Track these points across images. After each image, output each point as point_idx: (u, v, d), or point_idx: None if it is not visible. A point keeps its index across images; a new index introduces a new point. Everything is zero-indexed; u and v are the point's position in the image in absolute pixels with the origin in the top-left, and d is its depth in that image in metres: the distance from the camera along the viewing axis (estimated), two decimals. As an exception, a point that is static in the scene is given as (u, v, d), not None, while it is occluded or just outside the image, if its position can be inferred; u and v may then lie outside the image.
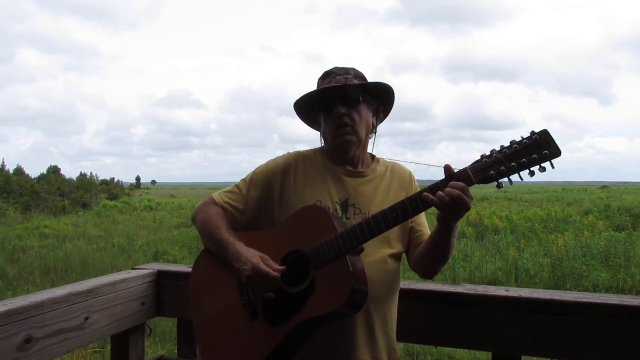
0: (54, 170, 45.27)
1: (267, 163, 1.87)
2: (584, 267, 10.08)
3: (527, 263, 10.86)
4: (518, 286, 9.12)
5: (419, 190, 1.83)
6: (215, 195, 1.87)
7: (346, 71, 1.80)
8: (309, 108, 1.84)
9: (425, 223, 1.82)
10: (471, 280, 9.87)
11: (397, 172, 1.86)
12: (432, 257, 1.67)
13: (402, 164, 1.91)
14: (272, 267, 1.59)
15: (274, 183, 1.81)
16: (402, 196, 1.77)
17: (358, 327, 1.66)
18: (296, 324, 1.55)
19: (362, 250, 1.55)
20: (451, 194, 1.39)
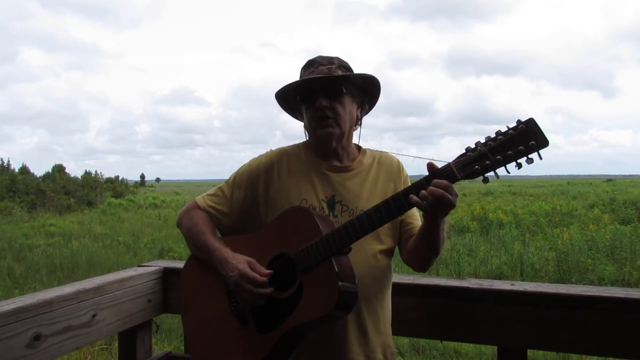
0: (59, 169, 45.47)
1: (250, 162, 1.83)
2: (589, 260, 10.06)
3: (532, 257, 10.84)
4: (523, 280, 9.11)
5: (408, 179, 1.80)
6: (199, 198, 1.84)
7: (330, 60, 1.73)
8: (291, 98, 1.78)
9: (416, 214, 1.77)
10: (476, 275, 9.86)
11: (384, 163, 1.81)
12: (423, 251, 1.65)
13: (389, 153, 1.86)
14: (260, 272, 1.57)
15: (257, 183, 1.77)
16: (390, 188, 1.75)
17: (349, 327, 1.63)
18: (286, 331, 1.53)
19: (350, 250, 1.52)
20: (434, 193, 1.35)
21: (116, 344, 2.98)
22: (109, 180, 49.72)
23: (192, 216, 1.81)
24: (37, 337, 1.67)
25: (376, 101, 1.83)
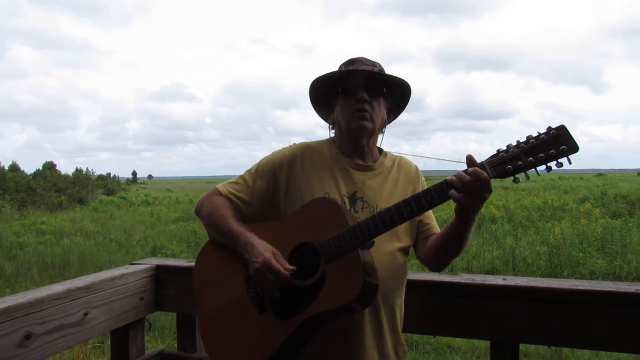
0: (50, 166, 45.15)
1: (273, 154, 1.85)
2: (580, 254, 10.14)
3: (524, 251, 10.91)
4: (515, 275, 9.17)
5: (425, 184, 1.83)
6: (220, 186, 1.85)
7: (373, 63, 1.78)
8: (325, 89, 1.81)
9: (432, 216, 1.82)
10: (469, 270, 9.91)
11: (403, 166, 1.86)
12: (445, 250, 1.67)
13: (409, 157, 1.91)
14: (284, 266, 1.57)
15: (280, 174, 1.78)
16: (409, 190, 1.79)
17: (366, 321, 1.64)
18: (305, 318, 1.53)
19: (373, 244, 1.53)
20: (463, 179, 1.37)
21: (109, 342, 2.97)
22: (100, 177, 49.36)
23: (214, 201, 1.81)
24: (28, 337, 1.65)
25: (401, 112, 1.88)
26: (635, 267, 9.70)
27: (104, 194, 39.66)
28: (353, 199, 1.73)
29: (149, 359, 2.28)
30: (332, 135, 1.87)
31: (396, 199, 1.67)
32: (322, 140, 1.88)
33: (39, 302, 1.72)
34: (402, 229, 1.70)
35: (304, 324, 1.54)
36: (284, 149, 1.85)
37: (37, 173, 41.49)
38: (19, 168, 41.84)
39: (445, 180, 1.44)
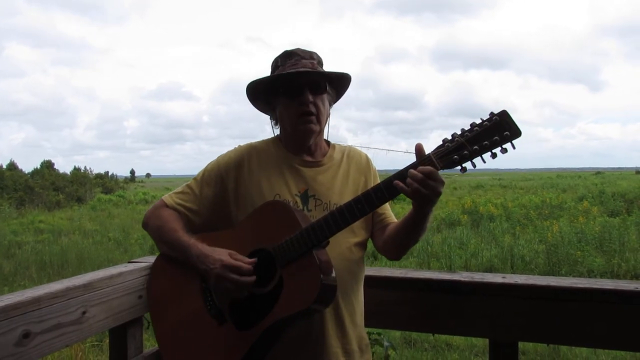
0: (48, 165, 45.01)
1: (218, 158, 1.80)
2: (578, 252, 10.14)
3: (523, 250, 10.91)
4: (514, 273, 9.17)
5: (377, 173, 1.81)
6: (166, 197, 1.80)
7: (310, 55, 1.73)
8: (264, 89, 1.76)
9: (387, 206, 1.78)
10: (467, 268, 9.92)
11: (353, 157, 1.83)
12: (403, 239, 1.65)
13: (358, 148, 1.89)
14: (244, 261, 1.55)
15: (227, 179, 1.74)
16: (361, 180, 1.77)
17: (327, 319, 1.63)
18: (267, 326, 1.50)
19: (328, 243, 1.51)
20: (418, 179, 1.36)
21: (107, 340, 2.97)
22: (98, 176, 49.25)
23: (160, 215, 1.77)
24: (26, 335, 1.65)
25: (340, 98, 1.85)
26: (634, 265, 9.71)
27: (102, 192, 39.57)
28: (305, 197, 1.70)
29: (147, 357, 2.27)
30: (277, 132, 1.83)
31: (348, 191, 1.68)
32: (268, 140, 1.84)
33: (37, 300, 1.71)
34: (357, 222, 1.64)
35: (266, 332, 1.51)
36: (229, 152, 1.81)
37: (35, 172, 41.35)
38: (17, 167, 41.74)
39: (395, 176, 1.43)
